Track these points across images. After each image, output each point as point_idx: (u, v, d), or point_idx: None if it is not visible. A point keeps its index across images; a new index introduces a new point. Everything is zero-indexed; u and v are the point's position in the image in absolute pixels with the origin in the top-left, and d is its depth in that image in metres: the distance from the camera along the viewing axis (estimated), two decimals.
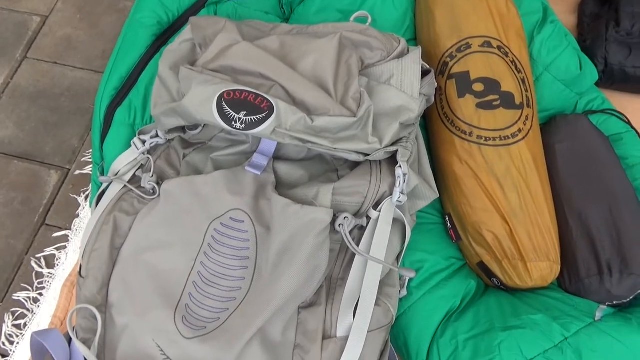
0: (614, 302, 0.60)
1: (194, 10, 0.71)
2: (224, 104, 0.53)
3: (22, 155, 0.87)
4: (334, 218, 0.54)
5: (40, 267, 0.78)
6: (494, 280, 0.63)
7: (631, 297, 0.59)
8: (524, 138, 0.62)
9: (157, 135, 0.63)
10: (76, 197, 0.83)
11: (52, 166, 0.86)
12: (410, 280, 0.61)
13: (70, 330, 0.55)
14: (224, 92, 0.54)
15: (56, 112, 0.90)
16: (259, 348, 0.51)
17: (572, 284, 0.61)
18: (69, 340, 0.56)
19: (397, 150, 0.56)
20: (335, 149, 0.55)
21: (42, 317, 0.73)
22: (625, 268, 0.58)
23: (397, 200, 0.55)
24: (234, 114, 0.53)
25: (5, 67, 0.95)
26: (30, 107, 0.91)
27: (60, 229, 0.81)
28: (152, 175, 0.61)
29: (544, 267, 0.60)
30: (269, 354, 0.51)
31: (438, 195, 0.61)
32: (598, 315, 0.57)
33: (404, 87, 0.57)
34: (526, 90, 0.64)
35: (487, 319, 0.58)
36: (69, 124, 0.89)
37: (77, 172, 0.85)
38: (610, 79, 0.78)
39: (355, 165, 0.60)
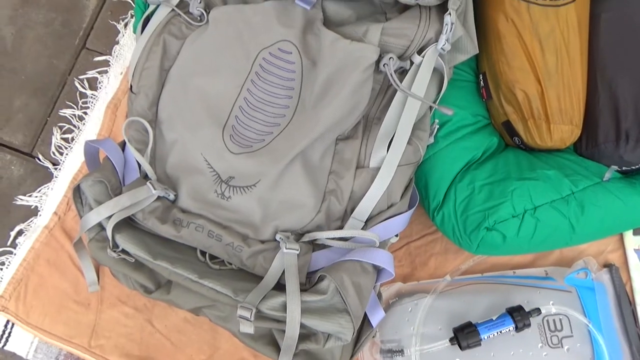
0: (623, 168, 0.64)
1: None
2: None
3: None
4: (379, 58, 0.56)
5: (84, 88, 0.81)
6: (516, 139, 0.67)
7: None
8: (574, 1, 0.62)
9: None
10: (115, 23, 0.84)
11: None
12: (438, 130, 0.66)
13: (125, 138, 0.60)
14: None
15: None
16: (299, 167, 0.56)
17: (588, 149, 0.66)
18: (122, 149, 0.61)
19: None
20: None
21: (88, 134, 0.79)
22: None
23: (441, 48, 0.57)
24: None
25: None
26: None
27: (101, 53, 0.83)
28: (200, 2, 0.61)
29: (565, 130, 0.64)
30: (308, 174, 0.57)
31: (477, 51, 0.62)
32: (607, 175, 0.62)
33: None
34: None
35: (505, 170, 0.63)
36: None
37: None
38: None
39: (403, 10, 0.60)
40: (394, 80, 0.55)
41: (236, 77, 0.59)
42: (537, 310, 0.62)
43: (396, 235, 0.60)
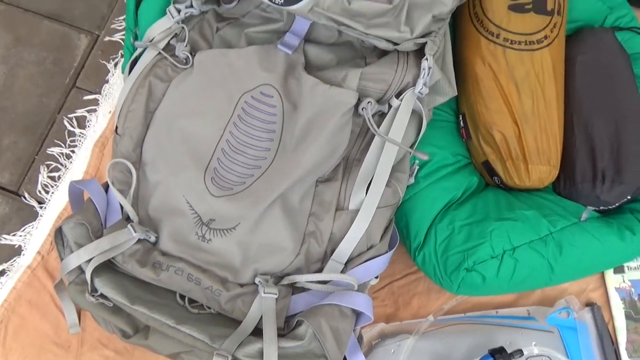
0: (600, 208, 0.65)
1: None
2: None
3: (52, 15, 0.88)
4: (358, 101, 0.58)
5: (72, 126, 0.82)
6: (495, 178, 0.68)
7: (617, 205, 0.65)
8: (548, 45, 0.64)
9: (192, 6, 0.64)
10: (105, 63, 0.85)
11: (82, 30, 0.87)
12: (419, 170, 0.66)
13: (109, 180, 0.61)
14: None
15: None
16: (279, 210, 0.57)
17: (566, 188, 0.66)
18: (105, 191, 0.62)
19: (425, 43, 0.58)
20: (367, 34, 0.57)
21: (75, 172, 0.79)
22: (618, 177, 0.63)
23: (418, 92, 0.58)
24: None
25: None
26: None
27: (91, 92, 0.84)
28: (186, 45, 0.63)
29: (543, 170, 0.65)
30: (288, 217, 0.57)
31: (456, 93, 0.64)
32: (584, 216, 0.63)
33: None
34: None
35: (484, 210, 0.64)
36: None
37: (107, 38, 0.87)
38: None
39: (382, 54, 0.62)
40: (372, 125, 0.56)
41: (219, 119, 0.61)
42: (520, 352, 0.61)
43: (376, 277, 0.60)
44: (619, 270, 0.71)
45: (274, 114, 0.60)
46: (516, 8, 0.63)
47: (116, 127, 0.64)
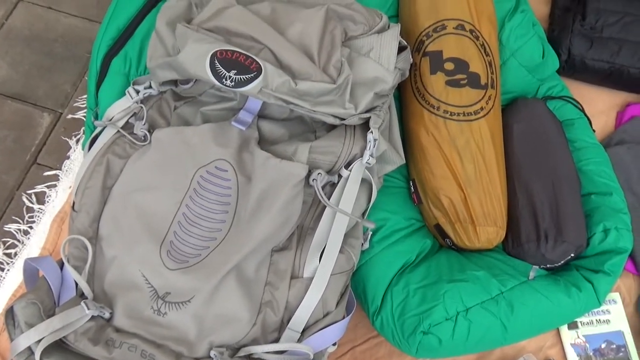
0: (547, 266, 0.68)
1: None
2: (217, 62, 0.59)
3: (16, 95, 0.90)
4: (309, 173, 0.61)
5: (31, 202, 0.82)
6: (447, 240, 0.70)
7: (562, 262, 0.68)
8: (485, 116, 0.69)
9: (150, 87, 0.68)
10: (67, 139, 0.87)
11: (45, 109, 0.90)
12: (373, 235, 0.69)
13: (64, 257, 0.61)
14: (217, 51, 0.59)
15: (50, 57, 0.93)
16: (234, 281, 0.58)
17: (514, 248, 0.69)
18: (61, 267, 0.62)
19: (370, 117, 0.62)
20: (314, 111, 0.60)
21: (32, 248, 0.79)
22: (559, 236, 0.66)
23: (366, 162, 0.62)
24: (225, 72, 0.58)
25: (0, 7, 0.97)
26: (25, 50, 0.93)
27: (51, 168, 0.85)
28: (145, 123, 0.66)
29: (490, 232, 0.68)
30: (243, 288, 0.58)
31: (404, 161, 0.68)
32: (531, 275, 0.65)
33: (382, 60, 0.63)
34: (492, 73, 0.71)
35: (437, 272, 0.66)
36: (62, 69, 0.92)
37: (69, 116, 0.89)
38: (572, 68, 0.85)
39: (331, 128, 0.66)
40: (321, 196, 0.59)
41: (175, 193, 0.62)
42: None
43: (334, 344, 0.60)
44: (572, 326, 0.72)
45: (228, 187, 0.62)
46: (453, 83, 0.69)
47: (73, 204, 0.64)
